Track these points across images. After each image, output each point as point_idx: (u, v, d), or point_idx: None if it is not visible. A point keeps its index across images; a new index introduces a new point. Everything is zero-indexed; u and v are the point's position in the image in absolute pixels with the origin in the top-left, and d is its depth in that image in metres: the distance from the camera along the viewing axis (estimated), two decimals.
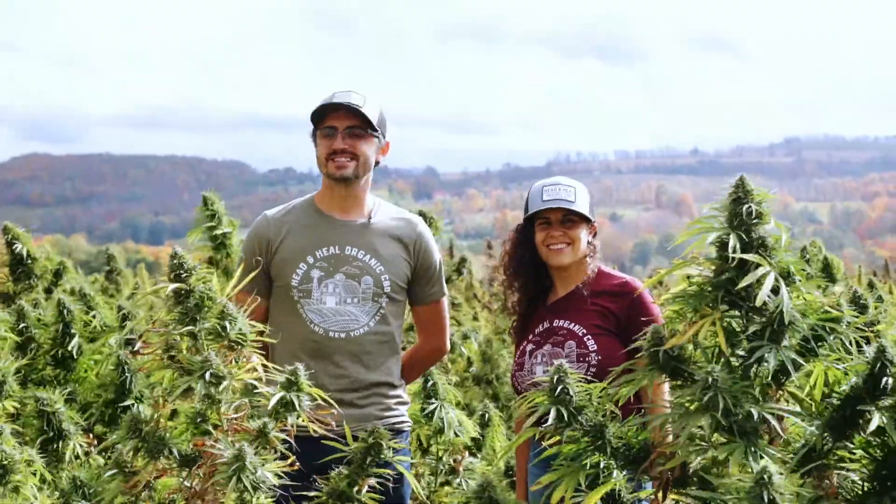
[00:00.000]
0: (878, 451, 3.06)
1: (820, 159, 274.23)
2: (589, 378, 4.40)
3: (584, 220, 4.71)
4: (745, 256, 2.97)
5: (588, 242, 4.75)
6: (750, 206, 3.02)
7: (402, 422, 4.82)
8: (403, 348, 5.01)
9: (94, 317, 6.55)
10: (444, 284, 5.03)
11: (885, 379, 2.97)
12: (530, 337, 4.75)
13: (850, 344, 3.13)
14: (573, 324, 4.62)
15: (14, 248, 7.76)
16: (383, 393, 4.74)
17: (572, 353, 4.56)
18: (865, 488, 3.07)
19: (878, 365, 2.98)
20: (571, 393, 3.16)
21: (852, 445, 3.09)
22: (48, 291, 7.99)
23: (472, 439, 6.12)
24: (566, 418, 3.15)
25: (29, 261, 7.78)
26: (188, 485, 3.40)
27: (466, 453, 6.16)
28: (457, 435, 5.86)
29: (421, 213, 9.13)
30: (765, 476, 2.53)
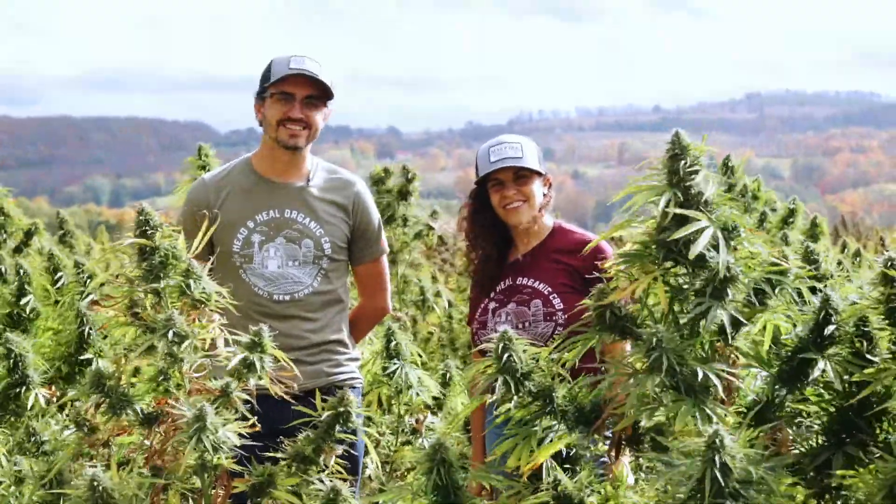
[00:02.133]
0: (832, 404, 3.11)
1: (782, 115, 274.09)
2: (556, 337, 4.46)
3: (536, 173, 4.72)
4: (682, 212, 2.98)
5: (543, 195, 4.76)
6: (686, 162, 3.02)
7: (353, 378, 4.86)
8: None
9: (60, 277, 6.52)
10: (384, 242, 5.04)
11: (829, 328, 3.01)
12: (492, 295, 4.76)
13: (798, 295, 3.16)
14: (538, 282, 4.64)
15: None
16: (333, 349, 4.78)
17: (539, 311, 4.58)
18: (820, 441, 3.11)
19: (823, 314, 3.02)
20: (518, 360, 3.17)
21: (805, 397, 3.13)
22: (18, 251, 7.95)
23: (434, 398, 6.14)
24: (513, 386, 3.15)
25: (1, 217, 7.74)
26: (148, 443, 3.42)
27: (428, 413, 6.18)
28: (418, 395, 5.86)
29: (404, 168, 9.18)
30: (717, 440, 2.53)
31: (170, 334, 3.33)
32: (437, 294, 10.41)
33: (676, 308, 3.08)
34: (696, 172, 3.01)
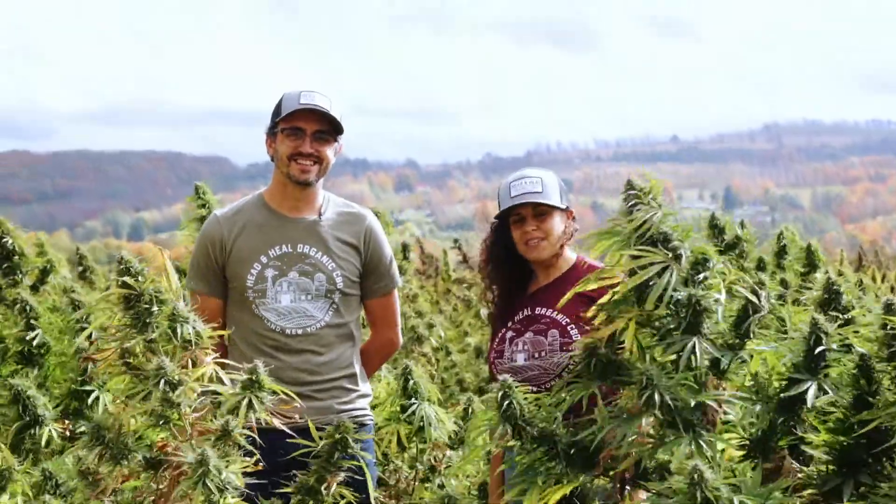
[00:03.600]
0: (840, 435, 3.08)
1: (800, 144, 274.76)
2: (571, 368, 4.44)
3: (556, 209, 4.69)
4: (639, 252, 3.02)
5: (564, 229, 4.73)
6: (640, 206, 3.04)
7: (364, 415, 4.83)
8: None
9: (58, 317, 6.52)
10: (396, 276, 5.02)
11: (819, 349, 3.00)
12: (510, 324, 4.73)
13: (785, 322, 3.16)
14: (556, 312, 4.60)
15: (3, 241, 7.70)
16: (343, 386, 4.76)
17: (555, 342, 4.55)
18: (828, 471, 3.08)
19: (814, 338, 3.01)
20: (518, 407, 3.17)
21: (804, 425, 3.12)
22: (35, 289, 7.95)
23: (454, 433, 6.11)
24: (514, 433, 3.17)
25: (16, 257, 7.74)
26: (154, 486, 3.41)
27: (447, 451, 6.15)
28: (436, 431, 5.83)
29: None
30: (695, 475, 2.54)
31: (161, 383, 3.32)
32: (430, 326, 10.41)
33: (658, 350, 3.08)
34: (653, 213, 3.05)
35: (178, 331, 3.43)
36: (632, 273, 3.06)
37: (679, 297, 2.97)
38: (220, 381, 3.48)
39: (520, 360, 4.58)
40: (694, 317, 2.98)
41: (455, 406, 7.26)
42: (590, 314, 3.27)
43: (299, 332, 4.68)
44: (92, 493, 3.50)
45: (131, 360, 3.45)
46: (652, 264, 2.97)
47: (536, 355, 4.55)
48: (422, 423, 5.80)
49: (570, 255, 4.78)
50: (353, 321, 4.84)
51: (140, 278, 3.44)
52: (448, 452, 6.11)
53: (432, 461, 6.01)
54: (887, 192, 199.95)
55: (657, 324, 3.09)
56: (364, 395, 4.89)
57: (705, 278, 3.05)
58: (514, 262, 4.79)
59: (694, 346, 2.95)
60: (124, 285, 3.43)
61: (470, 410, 6.62)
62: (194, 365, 3.44)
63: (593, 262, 4.75)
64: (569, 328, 4.55)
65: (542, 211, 4.66)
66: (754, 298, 3.11)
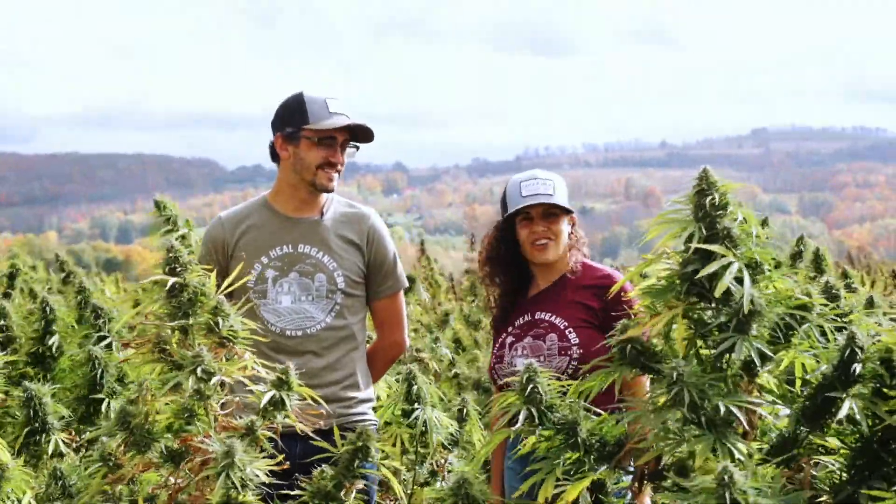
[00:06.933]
0: (853, 440, 3.07)
1: (788, 150, 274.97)
2: (570, 372, 4.44)
3: (565, 212, 4.70)
4: (707, 247, 2.96)
5: (570, 234, 4.74)
6: (713, 198, 3.00)
7: (365, 420, 4.79)
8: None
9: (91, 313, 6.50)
10: (401, 277, 4.98)
11: (854, 366, 2.98)
12: (510, 329, 4.73)
13: (823, 332, 3.13)
14: (555, 316, 4.61)
15: None
16: (344, 390, 4.73)
17: (554, 346, 4.55)
18: (843, 478, 3.07)
19: (848, 352, 2.98)
20: (542, 392, 3.15)
21: (827, 434, 3.10)
22: (6, 295, 7.94)
23: (450, 434, 6.09)
24: (537, 418, 3.14)
25: None
26: (172, 480, 3.40)
27: (450, 455, 6.13)
28: (438, 436, 5.80)
29: None
30: (725, 476, 2.51)
31: (198, 371, 3.32)
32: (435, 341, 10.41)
33: (699, 343, 3.05)
34: (724, 209, 3.00)
35: (220, 324, 3.44)
36: (686, 264, 3.02)
37: (735, 293, 2.94)
38: (256, 380, 3.48)
39: (519, 364, 4.54)
40: (745, 316, 2.95)
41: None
42: (631, 295, 3.24)
43: (299, 333, 4.65)
44: (110, 478, 3.50)
45: (166, 349, 3.45)
46: (714, 257, 2.94)
47: (536, 360, 4.52)
48: (424, 428, 5.77)
49: (571, 258, 4.75)
50: (356, 323, 4.80)
51: (187, 270, 3.44)
52: (449, 458, 6.09)
53: (434, 465, 5.99)
54: (874, 199, 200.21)
55: (696, 316, 3.06)
56: (365, 401, 4.85)
57: (758, 281, 3.02)
58: (515, 263, 4.79)
59: (743, 346, 2.92)
60: (171, 273, 3.43)
61: (465, 412, 6.59)
62: (228, 361, 3.44)
63: (593, 264, 4.76)
64: (567, 332, 4.55)
65: (552, 213, 4.67)
66: (808, 300, 3.10)
